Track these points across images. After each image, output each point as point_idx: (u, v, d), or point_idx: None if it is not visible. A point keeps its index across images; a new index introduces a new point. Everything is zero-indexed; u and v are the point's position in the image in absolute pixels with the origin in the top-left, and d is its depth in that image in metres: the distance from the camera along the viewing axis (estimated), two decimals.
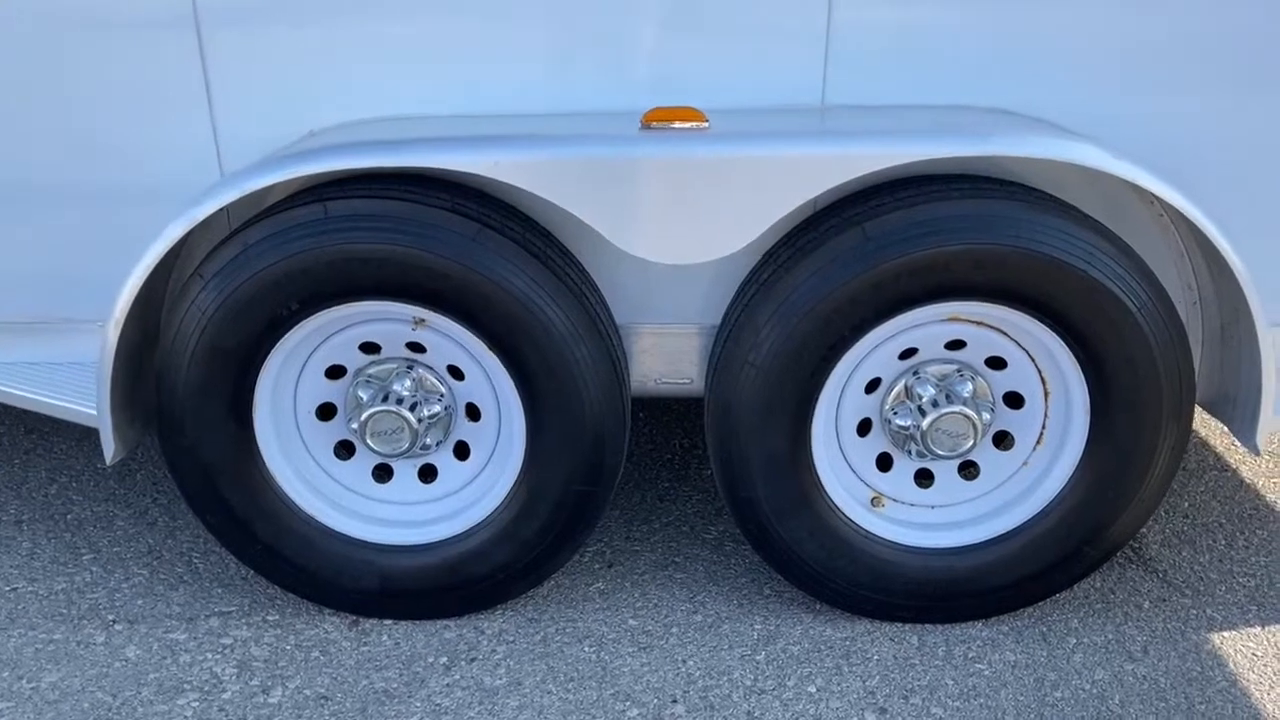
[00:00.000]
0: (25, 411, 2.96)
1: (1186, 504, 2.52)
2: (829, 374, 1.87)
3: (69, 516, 2.47)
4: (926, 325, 1.88)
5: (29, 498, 2.55)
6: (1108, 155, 1.75)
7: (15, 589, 2.20)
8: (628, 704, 1.85)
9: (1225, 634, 2.04)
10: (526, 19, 1.93)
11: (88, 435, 2.84)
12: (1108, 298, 1.77)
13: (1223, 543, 2.36)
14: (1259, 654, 1.99)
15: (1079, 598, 2.14)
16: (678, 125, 1.77)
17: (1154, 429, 1.85)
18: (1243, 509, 2.50)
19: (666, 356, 2.13)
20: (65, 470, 2.67)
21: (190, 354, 1.85)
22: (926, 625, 2.05)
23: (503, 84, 1.98)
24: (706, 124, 1.77)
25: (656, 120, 1.78)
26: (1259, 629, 2.06)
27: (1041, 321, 1.82)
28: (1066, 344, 1.84)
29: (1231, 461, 2.71)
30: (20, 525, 2.43)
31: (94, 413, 1.96)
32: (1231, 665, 1.95)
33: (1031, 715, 1.82)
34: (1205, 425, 2.90)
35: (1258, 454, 1.91)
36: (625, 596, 2.16)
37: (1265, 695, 1.88)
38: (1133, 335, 1.79)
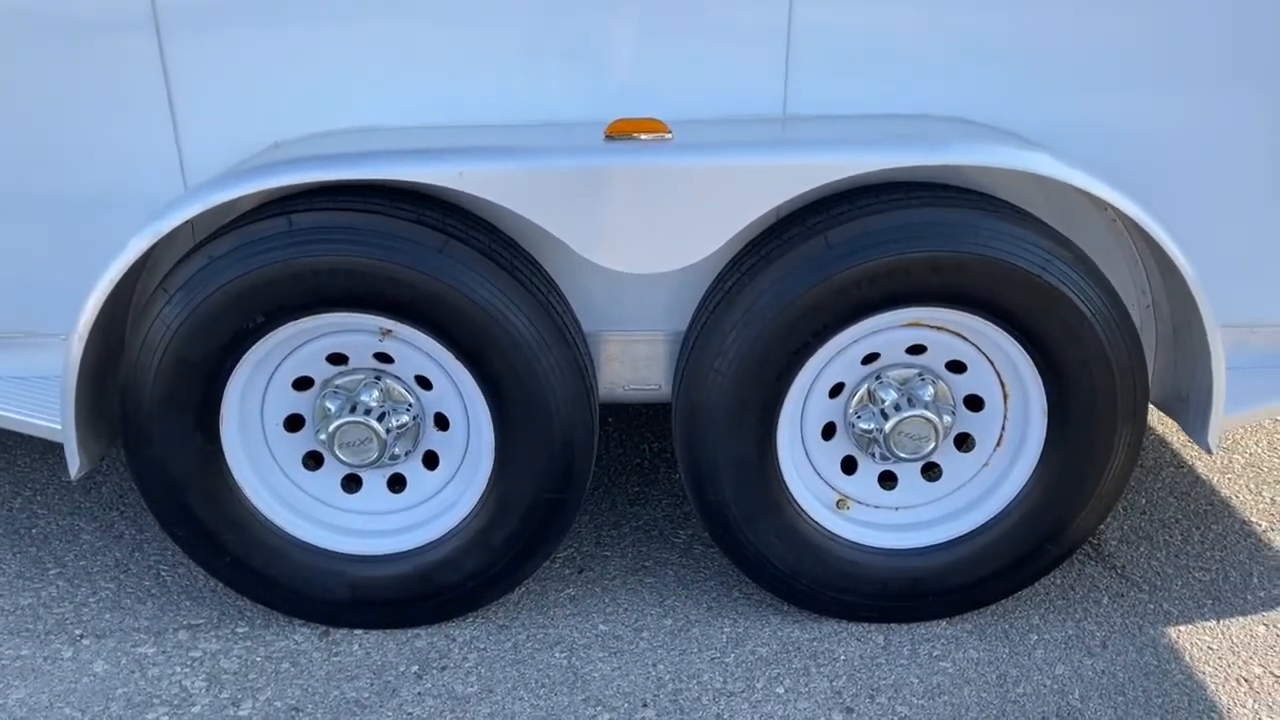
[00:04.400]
0: None
1: (1144, 501, 2.58)
2: (793, 379, 1.90)
3: (34, 531, 2.45)
4: (888, 330, 1.92)
5: None
6: (1060, 164, 1.79)
7: None
8: (599, 709, 1.87)
9: (1181, 628, 2.10)
10: (493, 31, 1.94)
11: (51, 449, 2.81)
12: (1063, 303, 1.81)
13: (1179, 538, 2.42)
14: (1214, 647, 2.04)
15: (1039, 594, 2.19)
16: (641, 136, 1.79)
17: (1110, 429, 1.90)
18: (1198, 505, 2.56)
19: (634, 363, 2.15)
20: (29, 484, 2.65)
21: (156, 367, 1.84)
22: (892, 625, 2.09)
23: (469, 95, 1.99)
24: (669, 135, 1.80)
25: (620, 132, 1.80)
26: (1214, 623, 2.11)
27: (999, 326, 1.86)
28: (1024, 348, 1.88)
29: (1188, 459, 2.78)
30: None
31: (58, 427, 1.95)
32: (1188, 659, 2.00)
33: (994, 711, 1.86)
34: (1162, 423, 2.96)
35: (1210, 452, 1.96)
36: (595, 602, 2.18)
37: (1220, 688, 1.93)
38: (1088, 339, 1.83)
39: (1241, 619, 2.13)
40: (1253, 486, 2.64)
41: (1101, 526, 2.43)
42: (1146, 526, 2.46)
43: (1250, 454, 2.82)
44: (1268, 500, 2.58)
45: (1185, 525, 2.47)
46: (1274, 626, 2.11)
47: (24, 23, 1.93)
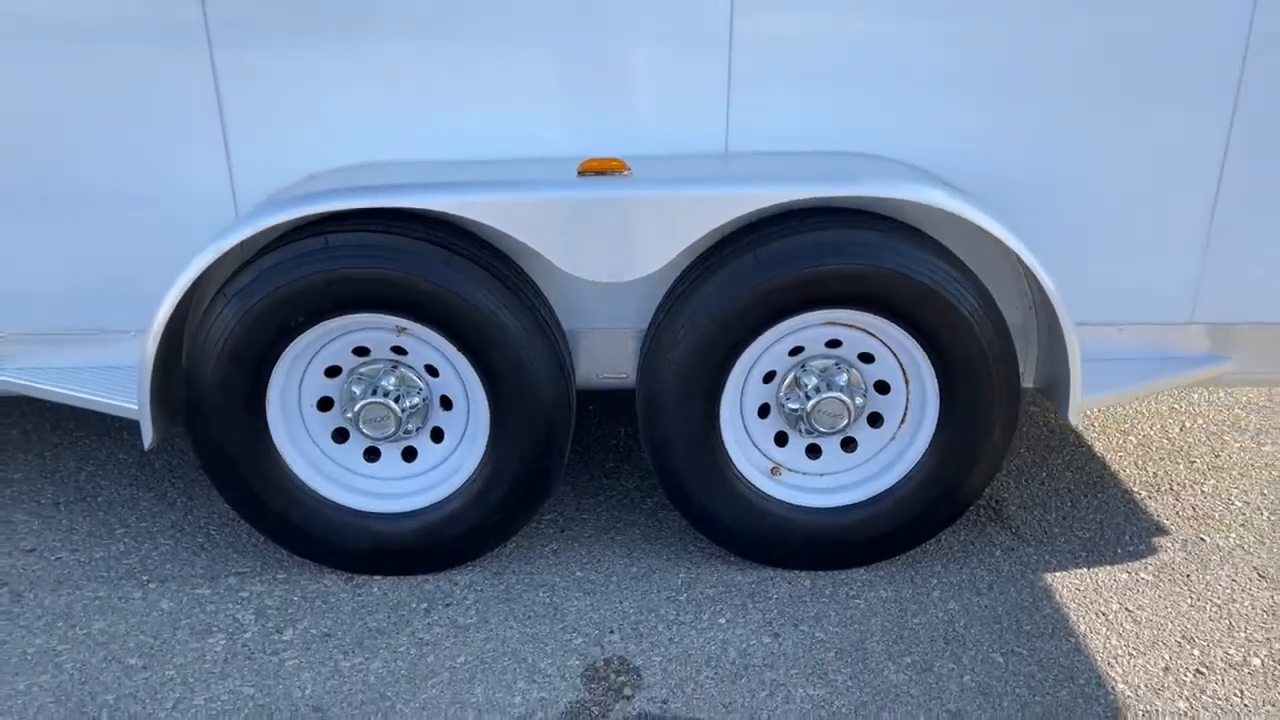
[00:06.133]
0: (51, 410, 3.37)
1: (1044, 474, 3.02)
2: (732, 368, 2.33)
3: (99, 498, 2.88)
4: (809, 328, 2.35)
5: (62, 484, 2.96)
6: (941, 193, 2.22)
7: (60, 558, 2.61)
8: (573, 634, 2.31)
9: (1057, 574, 2.53)
10: (492, 84, 2.36)
11: (108, 430, 3.25)
12: (947, 306, 2.24)
13: (1069, 504, 2.86)
14: (1081, 588, 2.48)
15: (945, 549, 2.63)
16: (606, 173, 2.23)
17: (988, 409, 2.33)
18: (1090, 477, 3.00)
19: (607, 356, 2.58)
20: (91, 460, 3.09)
21: (215, 358, 2.28)
22: (818, 572, 2.52)
23: (471, 134, 2.42)
24: (629, 171, 2.23)
25: (590, 169, 2.23)
26: (1085, 570, 2.55)
27: (898, 325, 2.30)
28: (919, 342, 2.31)
29: (1088, 439, 3.22)
30: (58, 506, 2.84)
31: (134, 407, 2.38)
32: (1058, 597, 2.44)
33: (892, 636, 2.30)
34: None
35: (1075, 426, 2.39)
36: (574, 554, 2.61)
37: (1081, 619, 2.36)
38: (967, 335, 2.27)
39: (1109, 567, 2.56)
40: (1139, 462, 3.08)
41: (1003, 494, 2.88)
42: (1042, 494, 2.90)
43: (1143, 435, 3.26)
44: (1150, 474, 3.02)
45: (1075, 493, 2.91)
46: (1135, 574, 2.54)
47: (115, 80, 2.37)
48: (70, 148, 2.41)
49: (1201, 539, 2.69)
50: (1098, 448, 3.17)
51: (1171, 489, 2.94)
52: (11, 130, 2.39)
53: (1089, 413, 3.39)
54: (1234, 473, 3.03)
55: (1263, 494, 2.92)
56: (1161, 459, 3.11)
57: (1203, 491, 2.93)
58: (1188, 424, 3.35)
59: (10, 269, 2.52)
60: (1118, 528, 2.74)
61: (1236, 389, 3.60)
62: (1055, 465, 3.06)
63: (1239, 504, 2.86)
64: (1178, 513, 2.82)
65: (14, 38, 2.31)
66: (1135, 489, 2.94)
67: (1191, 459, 3.11)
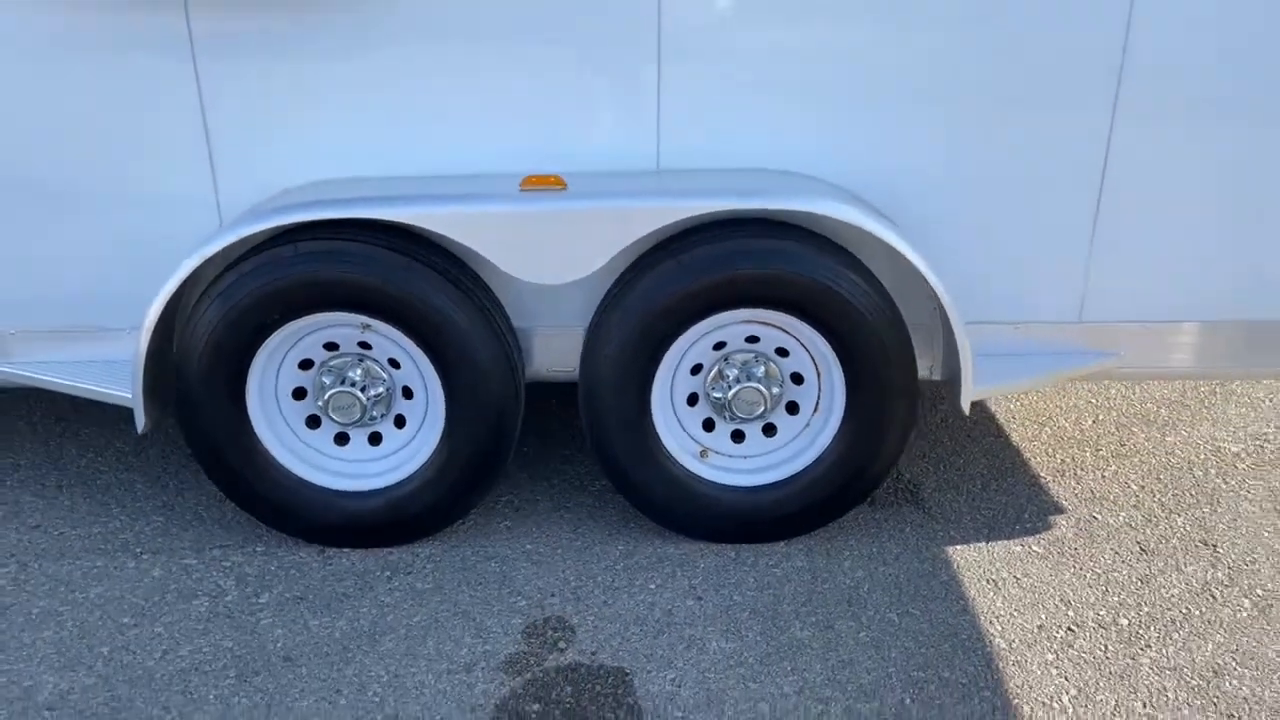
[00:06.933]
0: (55, 401, 3.66)
1: (962, 460, 3.30)
2: (661, 360, 2.62)
3: (98, 481, 3.17)
4: (730, 325, 2.64)
5: (64, 469, 3.25)
6: (838, 204, 2.50)
7: (62, 533, 2.90)
8: (518, 598, 2.59)
9: (958, 547, 2.82)
10: (453, 110, 2.65)
11: (107, 421, 3.54)
12: (849, 307, 2.53)
13: (979, 487, 3.14)
14: (976, 559, 2.76)
15: (861, 525, 2.91)
16: (546, 188, 2.52)
17: (887, 399, 2.62)
18: (1002, 464, 3.28)
19: (555, 352, 2.87)
20: (91, 448, 3.37)
21: (200, 352, 2.56)
22: (743, 544, 2.80)
23: (426, 152, 2.71)
24: (565, 186, 2.52)
25: (531, 184, 2.52)
26: (982, 544, 2.83)
27: (808, 323, 2.58)
28: (827, 339, 2.60)
29: (1006, 431, 3.50)
30: (60, 489, 3.13)
31: (129, 396, 2.67)
32: (954, 567, 2.72)
33: (802, 599, 2.58)
34: (993, 403, 3.69)
35: (964, 414, 2.66)
36: (525, 530, 2.90)
37: (971, 584, 2.64)
38: (868, 333, 2.55)
39: (1005, 542, 2.85)
40: (1050, 452, 3.37)
41: (920, 478, 3.16)
42: (957, 479, 3.18)
43: (1058, 428, 3.54)
44: (1058, 462, 3.30)
45: (986, 478, 3.19)
46: (1028, 547, 2.83)
47: (116, 100, 2.66)
48: (71, 158, 2.69)
49: (1094, 518, 2.97)
50: (1014, 438, 3.45)
51: (1075, 474, 3.22)
52: (14, 142, 2.68)
53: (1009, 406, 3.67)
54: (1135, 460, 3.32)
55: (1158, 479, 3.20)
56: (1070, 447, 3.39)
57: (1103, 476, 3.21)
58: (1101, 417, 3.63)
59: (17, 272, 2.80)
60: (1019, 507, 3.02)
61: (1150, 384, 3.88)
62: (972, 453, 3.34)
63: (1134, 488, 3.14)
64: (1076, 495, 3.10)
65: (17, 49, 2.59)
66: (1042, 474, 3.22)
67: (1098, 448, 3.40)
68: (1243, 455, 3.35)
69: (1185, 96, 2.62)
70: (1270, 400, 3.75)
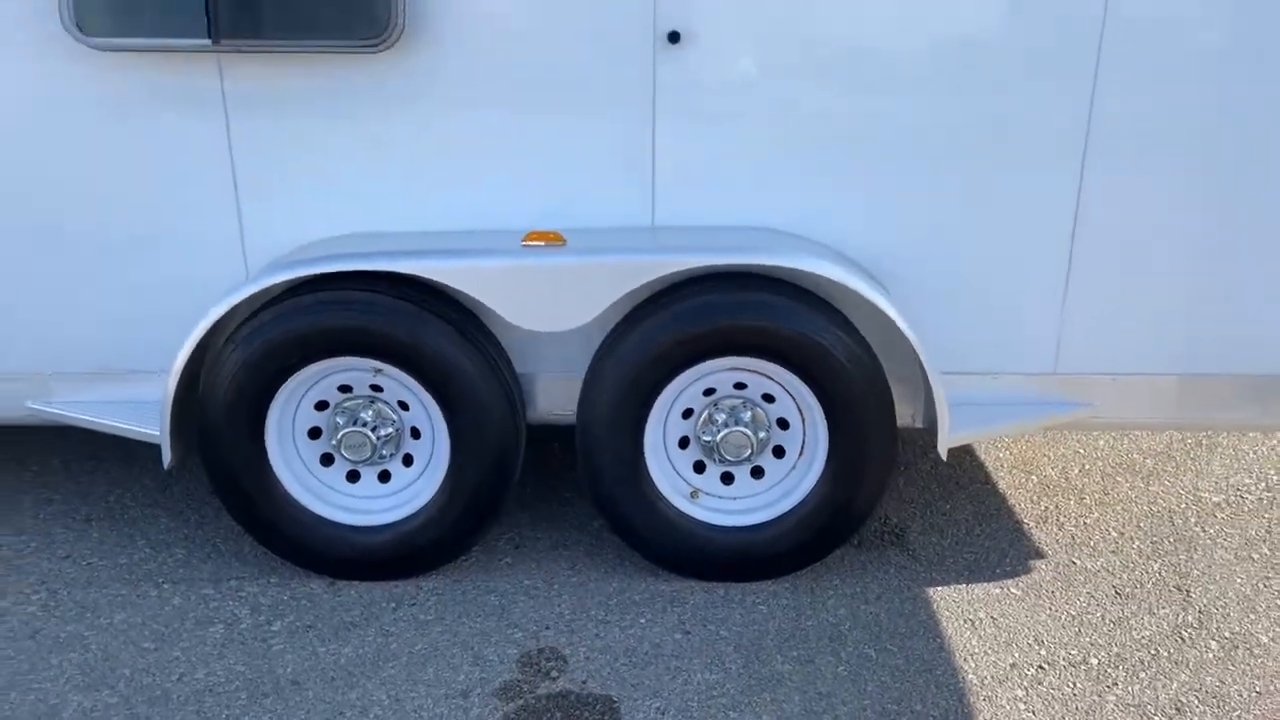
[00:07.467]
0: (86, 443, 3.86)
1: (949, 506, 3.42)
2: (653, 405, 2.78)
3: (126, 515, 3.35)
4: (718, 372, 2.80)
5: (95, 503, 3.43)
6: (818, 260, 2.66)
7: (90, 563, 3.07)
8: (515, 630, 2.73)
9: (939, 588, 2.93)
10: (464, 171, 2.86)
11: (135, 460, 3.73)
12: (830, 357, 2.68)
13: (964, 531, 3.25)
14: (956, 600, 2.87)
15: (846, 566, 3.03)
16: (546, 243, 2.71)
17: (865, 444, 2.76)
18: (988, 510, 3.40)
19: (556, 396, 3.04)
20: (119, 484, 3.56)
21: (223, 393, 2.75)
22: (731, 582, 2.93)
23: (437, 208, 2.91)
24: (564, 242, 2.71)
25: (532, 240, 2.72)
26: (962, 585, 2.95)
27: (792, 372, 2.74)
28: (810, 387, 2.75)
29: (994, 478, 3.62)
30: (90, 521, 3.32)
31: (156, 433, 2.86)
32: (934, 607, 2.84)
33: (786, 634, 2.70)
34: (984, 452, 3.81)
35: (944, 460, 2.80)
36: (525, 567, 3.04)
37: (949, 623, 2.76)
38: (848, 383, 2.70)
39: (984, 584, 2.96)
40: (1035, 499, 3.48)
41: (907, 521, 3.28)
42: (942, 523, 3.30)
43: (1043, 475, 3.66)
44: (1043, 509, 3.42)
45: (971, 523, 3.31)
46: (1006, 589, 2.94)
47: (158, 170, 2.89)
48: (110, 211, 2.91)
49: (1073, 562, 3.08)
50: (1001, 485, 3.57)
51: (1057, 520, 3.33)
52: (59, 196, 2.89)
53: (998, 455, 3.79)
54: (1117, 508, 3.42)
55: (1139, 527, 3.30)
56: (1055, 495, 3.50)
57: (1085, 523, 3.32)
58: (1087, 466, 3.74)
59: (58, 317, 3.01)
60: (1001, 551, 3.14)
61: (1138, 435, 3.99)
62: (959, 499, 3.46)
63: (1115, 534, 3.25)
64: (1058, 540, 3.21)
65: (63, 107, 2.81)
66: (1026, 520, 3.33)
67: (1083, 495, 3.51)
68: (1223, 505, 3.45)
69: (1150, 153, 2.78)
70: (1254, 452, 3.85)
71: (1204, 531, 3.27)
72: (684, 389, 2.83)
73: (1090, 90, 2.75)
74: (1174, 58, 2.71)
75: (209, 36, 2.62)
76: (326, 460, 2.93)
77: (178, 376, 2.76)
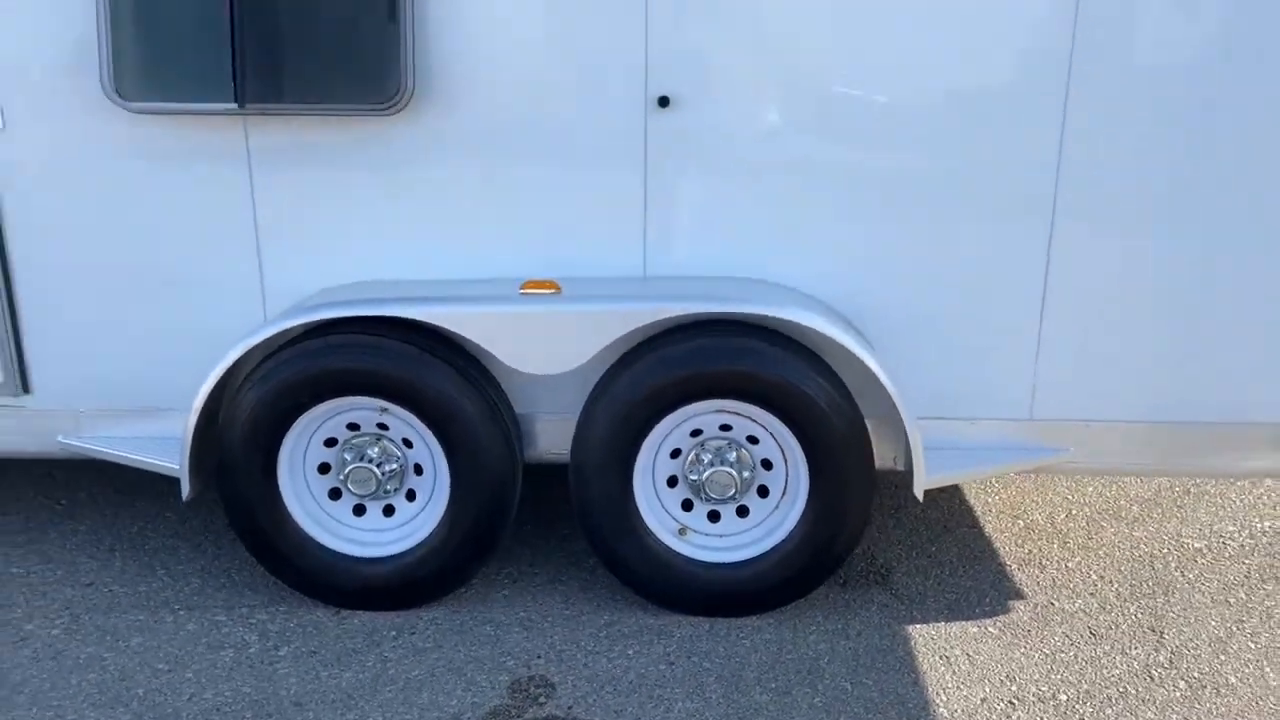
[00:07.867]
0: (111, 478, 4.06)
1: (934, 548, 3.53)
2: (642, 444, 2.93)
3: (146, 546, 3.53)
4: (705, 414, 2.95)
5: (119, 534, 3.62)
6: (809, 313, 2.82)
7: (111, 590, 3.25)
8: (508, 658, 2.87)
9: (918, 626, 3.03)
10: (459, 223, 3.06)
11: (157, 495, 3.92)
12: (811, 402, 2.83)
13: (947, 573, 3.36)
14: (934, 637, 2.97)
15: (830, 604, 3.14)
16: (541, 291, 2.89)
17: (845, 486, 2.89)
18: (973, 552, 3.50)
19: (553, 435, 3.20)
20: (142, 517, 3.75)
21: (240, 429, 2.94)
22: (717, 617, 3.05)
23: (443, 257, 3.10)
24: (560, 290, 2.89)
25: (529, 288, 2.90)
26: (940, 624, 3.05)
27: (775, 415, 2.88)
28: (791, 430, 2.89)
29: (981, 522, 3.72)
30: (113, 551, 3.50)
31: (176, 467, 3.05)
32: (910, 644, 2.94)
33: (766, 667, 2.81)
34: (973, 496, 3.91)
35: (920, 501, 2.92)
36: (521, 600, 3.18)
37: (925, 660, 2.86)
38: (827, 427, 2.84)
39: (962, 622, 3.06)
40: (1019, 543, 3.58)
41: (892, 563, 3.39)
42: (927, 564, 3.41)
43: (1030, 520, 3.75)
44: (1026, 553, 3.51)
45: (955, 564, 3.41)
46: (984, 628, 3.03)
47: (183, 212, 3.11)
48: (138, 257, 3.13)
49: (1052, 604, 3.17)
50: (988, 529, 3.67)
51: (1040, 563, 3.43)
52: (91, 242, 3.12)
53: (986, 499, 3.90)
54: (1100, 552, 3.51)
55: (1119, 571, 3.39)
56: (1040, 539, 3.60)
57: (1067, 567, 3.41)
58: (1074, 511, 3.83)
59: (90, 358, 3.22)
60: (982, 592, 3.23)
61: (1126, 482, 4.08)
62: (945, 541, 3.57)
63: (1095, 578, 3.34)
64: (1039, 582, 3.30)
65: (97, 158, 3.03)
66: (1009, 563, 3.43)
67: (1066, 540, 3.60)
68: (1204, 550, 3.53)
69: (1120, 203, 2.92)
70: (1241, 500, 3.92)
71: (1183, 576, 3.35)
72: (672, 430, 2.98)
73: (1059, 140, 2.90)
74: (1143, 106, 2.85)
75: (235, 100, 2.85)
76: (334, 494, 3.09)
77: (198, 414, 2.95)
